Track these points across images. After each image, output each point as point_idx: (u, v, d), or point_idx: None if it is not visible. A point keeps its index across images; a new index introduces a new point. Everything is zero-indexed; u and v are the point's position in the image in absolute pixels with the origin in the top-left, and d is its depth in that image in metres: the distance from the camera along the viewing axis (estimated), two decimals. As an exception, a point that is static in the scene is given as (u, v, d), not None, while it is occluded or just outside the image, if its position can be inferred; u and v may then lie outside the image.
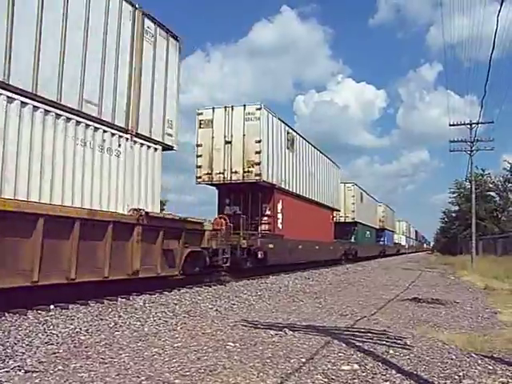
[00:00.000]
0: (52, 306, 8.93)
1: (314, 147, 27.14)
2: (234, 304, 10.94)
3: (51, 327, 7.32)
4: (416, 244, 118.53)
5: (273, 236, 20.01)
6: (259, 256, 18.36)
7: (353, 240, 38.88)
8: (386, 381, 4.82)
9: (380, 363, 5.48)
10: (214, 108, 19.83)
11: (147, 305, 10.09)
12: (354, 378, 4.89)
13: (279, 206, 20.77)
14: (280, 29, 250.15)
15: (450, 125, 32.64)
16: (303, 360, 5.57)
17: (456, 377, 5.01)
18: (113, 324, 7.88)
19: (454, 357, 5.88)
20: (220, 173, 19.28)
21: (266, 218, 20.30)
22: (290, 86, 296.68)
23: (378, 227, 52.36)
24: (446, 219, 71.76)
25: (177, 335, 7.05)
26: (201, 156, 19.63)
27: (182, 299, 11.21)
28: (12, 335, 6.63)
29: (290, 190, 22.42)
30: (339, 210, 34.26)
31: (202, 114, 19.83)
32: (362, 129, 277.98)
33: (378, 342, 6.65)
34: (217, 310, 9.96)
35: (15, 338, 6.44)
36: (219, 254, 14.99)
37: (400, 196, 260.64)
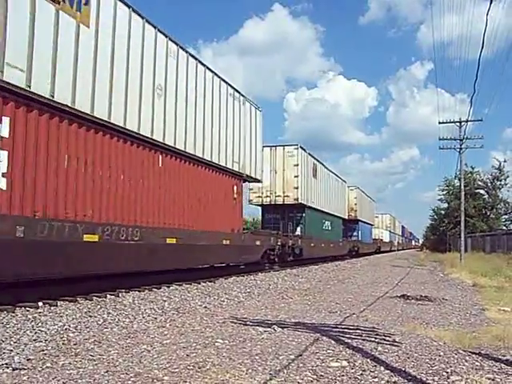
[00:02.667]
0: (40, 303, 8.88)
1: (183, 49, 14.31)
2: (223, 301, 10.94)
3: (39, 324, 7.28)
4: (403, 241, 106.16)
5: None
6: None
7: (298, 232, 26.73)
8: (375, 377, 4.84)
9: (369, 360, 5.50)
10: None
11: (136, 302, 10.08)
12: (343, 375, 4.91)
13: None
14: (271, 26, 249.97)
15: (440, 122, 32.85)
16: (292, 357, 5.58)
17: (444, 373, 5.04)
18: (102, 321, 7.85)
19: (442, 353, 5.92)
20: None
21: None
22: (282, 83, 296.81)
23: (346, 217, 41.01)
24: (435, 216, 72.18)
25: (166, 332, 7.04)
26: None
27: (172, 296, 11.20)
28: (0, 332, 6.59)
29: (66, 103, 9.77)
30: (259, 181, 21.32)
31: None
32: (353, 126, 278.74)
33: (367, 338, 6.68)
34: (206, 306, 9.95)
35: (3, 336, 6.40)
36: None
37: (390, 193, 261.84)
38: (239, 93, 18.54)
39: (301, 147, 26.66)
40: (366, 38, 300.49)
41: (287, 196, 25.97)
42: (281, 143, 26.99)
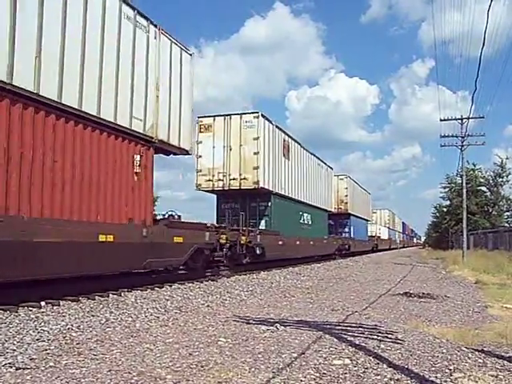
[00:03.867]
0: (43, 303, 8.89)
1: None
2: (225, 300, 10.95)
3: (42, 324, 7.29)
4: (403, 238, 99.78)
5: None
6: None
7: (262, 226, 20.80)
8: (377, 375, 4.84)
9: (371, 357, 5.50)
10: None
11: (139, 301, 10.08)
12: (346, 373, 4.91)
13: None
14: (273, 25, 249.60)
15: (441, 120, 32.76)
16: (295, 355, 5.58)
17: (447, 370, 5.04)
18: (104, 320, 7.86)
19: (444, 350, 5.91)
20: None
21: None
22: (284, 82, 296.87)
23: (335, 211, 35.46)
24: (437, 214, 71.98)
25: (168, 331, 7.05)
26: None
27: (174, 295, 11.20)
28: (3, 332, 6.60)
29: None
30: (187, 153, 14.58)
31: None
32: (355, 124, 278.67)
33: (370, 336, 6.67)
34: (208, 305, 9.96)
35: (6, 335, 6.41)
36: None
37: (392, 191, 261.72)
38: (148, 20, 12.48)
39: (263, 116, 20.28)
40: (367, 35, 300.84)
41: (245, 179, 19.79)
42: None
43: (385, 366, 5.17)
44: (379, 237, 59.81)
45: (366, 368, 5.08)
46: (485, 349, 6.10)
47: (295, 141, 25.09)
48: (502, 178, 51.06)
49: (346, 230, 39.44)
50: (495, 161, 52.50)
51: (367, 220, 50.11)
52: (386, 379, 4.71)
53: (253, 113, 20.29)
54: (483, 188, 53.27)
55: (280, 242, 21.36)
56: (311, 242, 27.19)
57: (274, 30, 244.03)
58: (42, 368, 4.97)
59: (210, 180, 20.27)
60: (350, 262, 31.33)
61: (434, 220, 75.61)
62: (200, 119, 20.54)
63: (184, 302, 10.21)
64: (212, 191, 20.99)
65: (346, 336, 6.65)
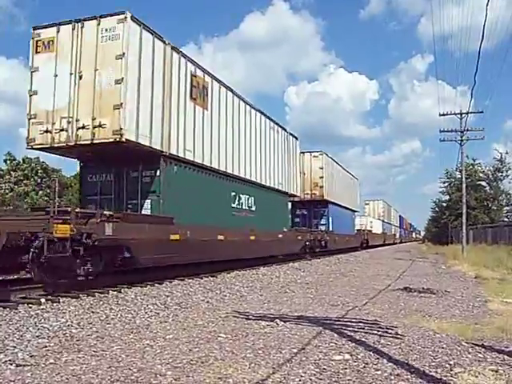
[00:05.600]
0: (43, 300, 8.88)
1: None
2: (225, 295, 10.95)
3: (42, 321, 7.28)
4: (400, 232, 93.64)
5: None
6: None
7: (147, 210, 13.10)
8: (378, 370, 4.84)
9: (371, 353, 5.50)
10: None
11: (138, 297, 10.07)
12: (346, 368, 4.91)
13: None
14: (272, 21, 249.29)
15: (440, 114, 32.75)
16: (295, 350, 5.58)
17: (447, 365, 5.04)
18: (104, 317, 7.86)
19: (444, 345, 5.91)
20: None
21: None
22: (283, 77, 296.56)
23: (308, 197, 29.43)
24: (436, 209, 71.99)
25: (168, 327, 7.05)
26: None
27: (174, 291, 11.19)
28: (3, 329, 6.59)
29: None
30: None
31: None
32: (354, 119, 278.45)
33: (370, 331, 6.68)
34: (208, 301, 9.96)
35: (6, 332, 6.40)
36: None
37: (391, 186, 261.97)
38: None
39: (135, 20, 11.91)
40: (366, 31, 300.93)
41: (99, 126, 11.62)
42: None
43: (385, 361, 5.17)
44: (370, 231, 52.28)
45: (367, 363, 5.08)
46: (485, 343, 6.09)
47: (223, 84, 16.81)
48: (502, 172, 51.12)
49: (323, 221, 31.25)
50: (495, 155, 52.49)
51: (354, 211, 42.10)
52: (386, 374, 4.71)
53: (116, 14, 11.74)
54: (483, 183, 53.32)
55: (174, 237, 12.94)
56: (252, 237, 18.36)
57: (273, 25, 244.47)
58: (42, 365, 4.96)
59: (47, 131, 12.12)
60: (350, 257, 31.29)
61: (434, 215, 75.67)
62: (36, 31, 12.35)
63: (184, 298, 10.20)
64: (51, 149, 12.72)
65: (346, 331, 6.65)
